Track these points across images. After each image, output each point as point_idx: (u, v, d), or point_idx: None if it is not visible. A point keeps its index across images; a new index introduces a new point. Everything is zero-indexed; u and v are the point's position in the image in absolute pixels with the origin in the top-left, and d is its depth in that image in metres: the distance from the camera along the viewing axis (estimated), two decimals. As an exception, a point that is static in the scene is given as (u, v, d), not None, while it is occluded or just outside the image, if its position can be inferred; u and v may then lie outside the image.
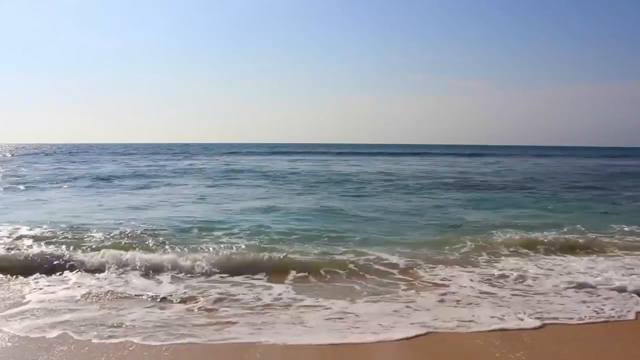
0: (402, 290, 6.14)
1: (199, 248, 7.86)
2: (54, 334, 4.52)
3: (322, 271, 6.87)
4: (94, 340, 4.39)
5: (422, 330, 4.77)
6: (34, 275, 6.48)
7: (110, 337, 4.48)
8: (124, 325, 4.76)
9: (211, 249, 7.74)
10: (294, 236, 9.05)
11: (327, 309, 5.38)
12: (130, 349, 4.24)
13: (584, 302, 5.71)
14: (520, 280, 6.58)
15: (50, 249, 7.52)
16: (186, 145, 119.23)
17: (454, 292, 6.04)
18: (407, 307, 5.47)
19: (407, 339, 4.59)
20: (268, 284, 6.29)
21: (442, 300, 5.72)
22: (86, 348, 4.26)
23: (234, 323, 4.90)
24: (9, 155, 54.09)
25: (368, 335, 4.65)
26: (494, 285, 6.40)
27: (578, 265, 7.30)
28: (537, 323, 4.99)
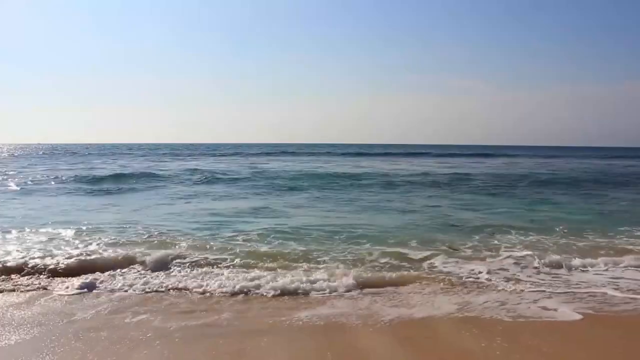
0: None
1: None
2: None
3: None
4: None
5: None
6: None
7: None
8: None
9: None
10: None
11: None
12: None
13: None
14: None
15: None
16: (191, 145, 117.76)
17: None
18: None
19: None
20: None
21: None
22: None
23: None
24: (11, 154, 53.72)
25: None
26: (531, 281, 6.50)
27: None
28: (578, 316, 5.08)
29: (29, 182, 20.13)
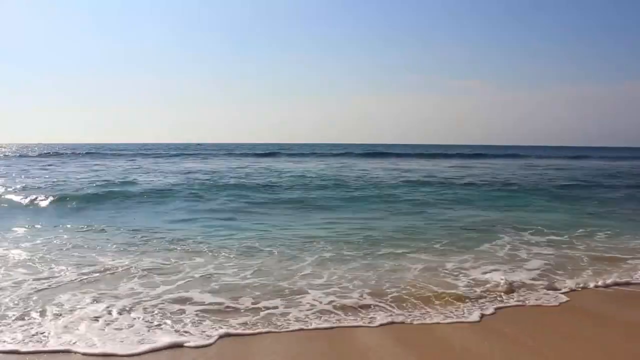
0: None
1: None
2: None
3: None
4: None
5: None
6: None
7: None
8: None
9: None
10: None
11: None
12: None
13: None
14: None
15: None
16: (199, 145, 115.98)
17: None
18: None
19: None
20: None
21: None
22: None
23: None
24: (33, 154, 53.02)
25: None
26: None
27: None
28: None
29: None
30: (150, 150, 69.96)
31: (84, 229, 10.06)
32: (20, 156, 52.88)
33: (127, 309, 5.28)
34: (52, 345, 4.38)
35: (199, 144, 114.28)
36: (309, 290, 6.00)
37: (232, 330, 4.76)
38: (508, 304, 5.68)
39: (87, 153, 60.02)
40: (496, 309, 5.48)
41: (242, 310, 5.29)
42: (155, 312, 5.20)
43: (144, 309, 5.29)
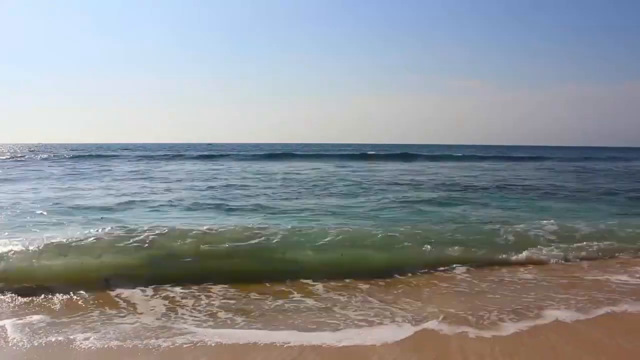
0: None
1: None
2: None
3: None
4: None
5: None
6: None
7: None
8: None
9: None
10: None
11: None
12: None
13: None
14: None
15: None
16: (210, 144, 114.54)
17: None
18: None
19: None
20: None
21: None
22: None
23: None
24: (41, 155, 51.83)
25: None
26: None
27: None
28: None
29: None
30: (196, 151, 62.56)
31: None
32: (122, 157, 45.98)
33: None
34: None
35: (209, 144, 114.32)
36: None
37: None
38: None
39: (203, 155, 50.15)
40: None
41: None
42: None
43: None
